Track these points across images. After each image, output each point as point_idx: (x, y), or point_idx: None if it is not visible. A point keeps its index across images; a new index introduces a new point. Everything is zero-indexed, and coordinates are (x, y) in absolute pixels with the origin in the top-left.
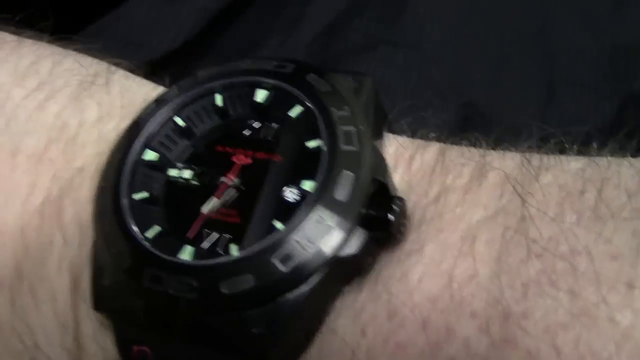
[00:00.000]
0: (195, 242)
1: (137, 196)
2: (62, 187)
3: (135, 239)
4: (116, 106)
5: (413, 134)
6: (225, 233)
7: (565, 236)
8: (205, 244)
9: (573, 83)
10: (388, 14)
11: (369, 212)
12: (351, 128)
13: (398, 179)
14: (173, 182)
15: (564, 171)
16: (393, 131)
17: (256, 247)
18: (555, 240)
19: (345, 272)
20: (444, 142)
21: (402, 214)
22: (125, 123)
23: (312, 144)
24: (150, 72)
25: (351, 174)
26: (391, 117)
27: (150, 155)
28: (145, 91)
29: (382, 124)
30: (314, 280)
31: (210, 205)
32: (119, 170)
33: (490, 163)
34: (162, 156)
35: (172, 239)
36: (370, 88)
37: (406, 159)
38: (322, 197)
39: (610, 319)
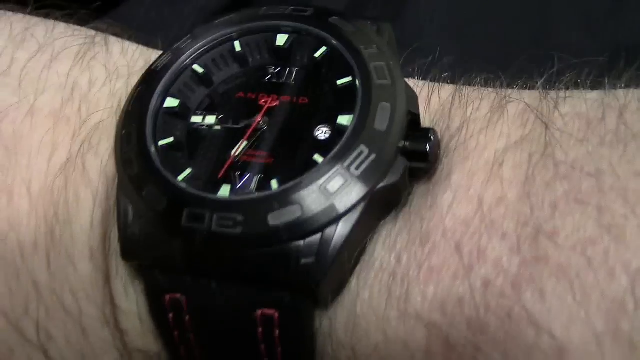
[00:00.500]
0: (229, 182)
1: (163, 142)
2: (82, 143)
3: (169, 182)
4: (122, 65)
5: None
6: (257, 173)
7: (590, 157)
8: (239, 183)
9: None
10: (387, 13)
11: (407, 142)
12: (382, 63)
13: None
14: (196, 129)
15: (583, 100)
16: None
17: (300, 180)
18: (580, 161)
19: (385, 201)
20: (456, 83)
21: (437, 145)
22: (134, 79)
23: (343, 81)
24: None
25: (388, 105)
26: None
27: (171, 102)
28: (145, 51)
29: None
30: (358, 209)
31: (239, 148)
32: (141, 118)
33: (509, 96)
34: (183, 104)
35: (204, 181)
36: (391, 31)
37: (424, 97)
38: (362, 128)
39: (638, 230)
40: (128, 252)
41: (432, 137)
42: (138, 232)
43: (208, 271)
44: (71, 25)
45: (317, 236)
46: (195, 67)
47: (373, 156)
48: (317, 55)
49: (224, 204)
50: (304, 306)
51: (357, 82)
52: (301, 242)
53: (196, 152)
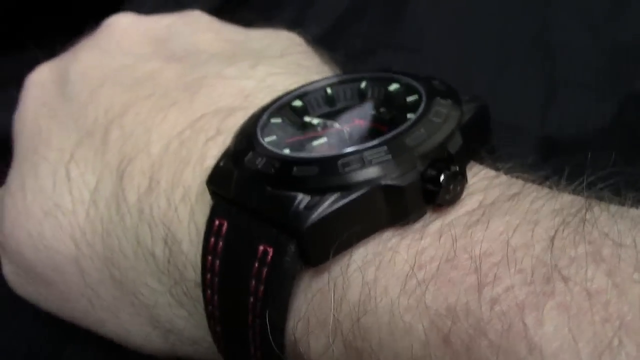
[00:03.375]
0: (294, 151)
1: (273, 120)
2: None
3: (255, 136)
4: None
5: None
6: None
7: (616, 234)
8: (298, 150)
9: (573, 83)
10: (387, 17)
11: (427, 167)
12: (444, 110)
13: (477, 179)
14: (304, 124)
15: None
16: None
17: (327, 153)
18: (606, 234)
19: (390, 201)
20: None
21: (458, 181)
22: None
23: (409, 115)
24: None
25: (424, 132)
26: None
27: (297, 102)
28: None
29: (483, 138)
30: (357, 192)
31: (319, 141)
32: (272, 104)
33: (567, 192)
34: (305, 107)
35: (279, 145)
36: (481, 104)
37: (493, 174)
38: (392, 138)
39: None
40: (210, 178)
41: (448, 171)
42: (223, 165)
43: (244, 203)
44: None
45: (320, 195)
46: (328, 89)
47: (389, 156)
48: (408, 100)
49: (273, 154)
50: (291, 251)
51: (417, 114)
52: (306, 195)
53: (291, 136)
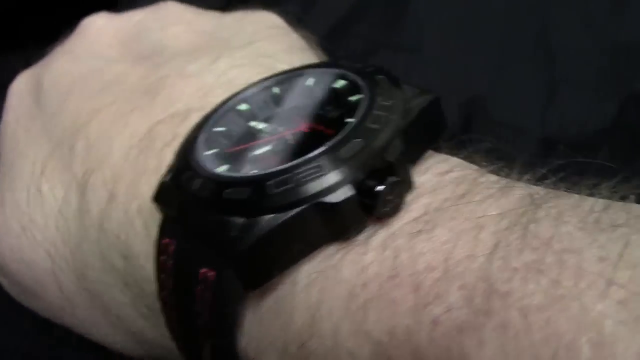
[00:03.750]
0: (234, 167)
1: (217, 129)
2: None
3: (193, 152)
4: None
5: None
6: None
7: (563, 238)
8: (236, 166)
9: (573, 83)
10: (388, 18)
11: (364, 178)
12: (383, 113)
13: (426, 179)
14: (250, 130)
15: (587, 198)
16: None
17: (259, 172)
18: (553, 239)
19: (327, 219)
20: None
21: (397, 192)
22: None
23: (348, 120)
24: None
25: (361, 142)
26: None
27: (242, 106)
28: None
29: (434, 134)
30: (295, 212)
31: (262, 149)
32: (214, 112)
33: (520, 185)
34: (251, 110)
35: (222, 161)
36: (429, 99)
37: (445, 169)
38: (328, 151)
39: (582, 307)
40: (155, 194)
41: (386, 182)
42: (167, 181)
43: (186, 224)
44: None
45: (254, 218)
46: (274, 88)
47: (324, 173)
48: (351, 100)
49: (209, 174)
50: (230, 275)
51: (355, 120)
52: (239, 219)
53: (236, 145)
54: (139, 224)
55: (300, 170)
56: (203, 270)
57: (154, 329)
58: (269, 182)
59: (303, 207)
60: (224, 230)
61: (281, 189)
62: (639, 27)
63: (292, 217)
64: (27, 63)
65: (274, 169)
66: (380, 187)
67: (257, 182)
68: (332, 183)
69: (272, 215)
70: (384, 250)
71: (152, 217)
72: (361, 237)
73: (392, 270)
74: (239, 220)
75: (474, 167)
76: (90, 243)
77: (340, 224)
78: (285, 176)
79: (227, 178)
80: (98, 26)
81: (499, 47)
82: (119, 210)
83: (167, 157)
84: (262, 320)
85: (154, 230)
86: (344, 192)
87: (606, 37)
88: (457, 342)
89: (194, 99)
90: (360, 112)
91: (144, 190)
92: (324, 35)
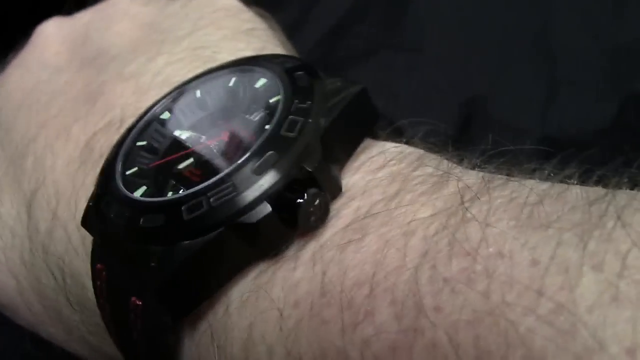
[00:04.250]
0: (156, 187)
1: (139, 143)
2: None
3: (113, 172)
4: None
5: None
6: (183, 186)
7: (494, 239)
8: (155, 189)
9: (573, 83)
10: (389, 18)
11: (282, 192)
12: (299, 118)
13: (357, 178)
14: (175, 141)
15: (523, 187)
16: (398, 136)
17: (172, 197)
18: (485, 242)
19: (249, 238)
20: (438, 150)
21: (319, 205)
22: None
23: (266, 127)
24: None
25: (276, 155)
26: (386, 123)
27: (165, 115)
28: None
29: (363, 128)
30: (212, 236)
31: (186, 162)
32: (136, 123)
33: (455, 174)
34: (174, 118)
35: (143, 181)
36: (353, 93)
37: (379, 164)
38: (240, 167)
39: (511, 323)
40: (83, 219)
41: (306, 195)
42: (90, 205)
43: (111, 252)
44: None
45: (171, 247)
46: (197, 92)
47: (239, 192)
48: (271, 101)
49: (125, 200)
50: (156, 305)
51: (268, 129)
52: (157, 247)
53: (160, 158)
54: (78, 244)
55: (214, 191)
56: (132, 299)
57: (110, 344)
58: (183, 207)
59: (219, 230)
60: (143, 259)
61: (196, 213)
62: (639, 27)
63: (209, 242)
64: None
65: (188, 192)
66: (300, 200)
67: (171, 208)
68: (247, 202)
69: (189, 242)
70: (314, 264)
71: (89, 238)
72: (291, 251)
73: (322, 287)
74: (157, 248)
75: (413, 155)
76: (41, 262)
77: (263, 241)
78: (199, 199)
79: (142, 204)
80: (47, 34)
81: (499, 47)
82: (60, 228)
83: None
84: (198, 346)
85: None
86: (261, 210)
87: (606, 37)
88: None
89: (129, 104)
90: (275, 118)
91: (82, 207)
92: (325, 34)
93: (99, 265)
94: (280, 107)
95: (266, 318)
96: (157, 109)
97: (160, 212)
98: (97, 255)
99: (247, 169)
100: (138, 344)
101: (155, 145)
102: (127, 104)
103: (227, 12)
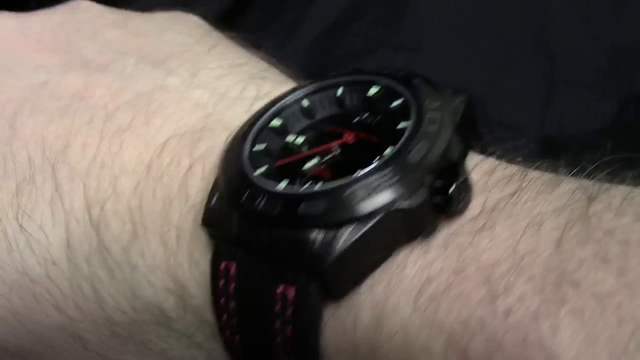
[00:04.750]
0: (291, 181)
1: (257, 148)
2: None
3: (245, 172)
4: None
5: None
6: (310, 179)
7: (622, 229)
8: (296, 183)
9: (573, 83)
10: (387, 17)
11: (433, 180)
12: (436, 115)
13: (477, 177)
14: (288, 145)
15: (632, 189)
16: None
17: (332, 185)
18: (612, 231)
19: (404, 223)
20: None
21: (464, 189)
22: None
23: (402, 125)
24: None
25: (425, 144)
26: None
27: (275, 122)
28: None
29: (472, 137)
30: (372, 220)
31: (311, 162)
32: (250, 129)
33: (564, 179)
34: (284, 125)
35: (275, 178)
36: (465, 100)
37: (489, 168)
38: (395, 158)
39: None
40: (205, 219)
41: (456, 181)
42: (216, 205)
43: (252, 245)
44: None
45: (333, 231)
46: (304, 101)
47: (396, 178)
48: (392, 105)
49: (273, 193)
50: (314, 289)
51: (411, 124)
52: (319, 232)
53: (279, 159)
54: (181, 254)
55: (373, 178)
56: (280, 288)
57: (207, 356)
58: (345, 194)
59: (382, 214)
60: (304, 246)
61: (358, 198)
62: (638, 27)
63: (373, 225)
64: None
65: (346, 180)
66: (452, 188)
67: (332, 195)
68: (407, 188)
69: (352, 226)
70: (446, 248)
71: (195, 244)
72: (426, 235)
73: (457, 266)
74: (317, 234)
75: (514, 165)
76: (118, 284)
77: (417, 227)
78: (359, 184)
79: (296, 194)
80: (8, 30)
81: (498, 47)
82: (151, 243)
83: (192, 183)
84: (327, 325)
85: (200, 258)
86: (420, 196)
87: (606, 37)
88: (533, 329)
89: (196, 117)
90: (412, 116)
91: (175, 218)
92: (324, 33)
93: (224, 264)
94: (413, 106)
95: (399, 293)
96: (264, 118)
97: (321, 198)
98: (223, 252)
99: (402, 158)
100: (280, 334)
101: (272, 150)
102: (193, 117)
103: (207, 29)
